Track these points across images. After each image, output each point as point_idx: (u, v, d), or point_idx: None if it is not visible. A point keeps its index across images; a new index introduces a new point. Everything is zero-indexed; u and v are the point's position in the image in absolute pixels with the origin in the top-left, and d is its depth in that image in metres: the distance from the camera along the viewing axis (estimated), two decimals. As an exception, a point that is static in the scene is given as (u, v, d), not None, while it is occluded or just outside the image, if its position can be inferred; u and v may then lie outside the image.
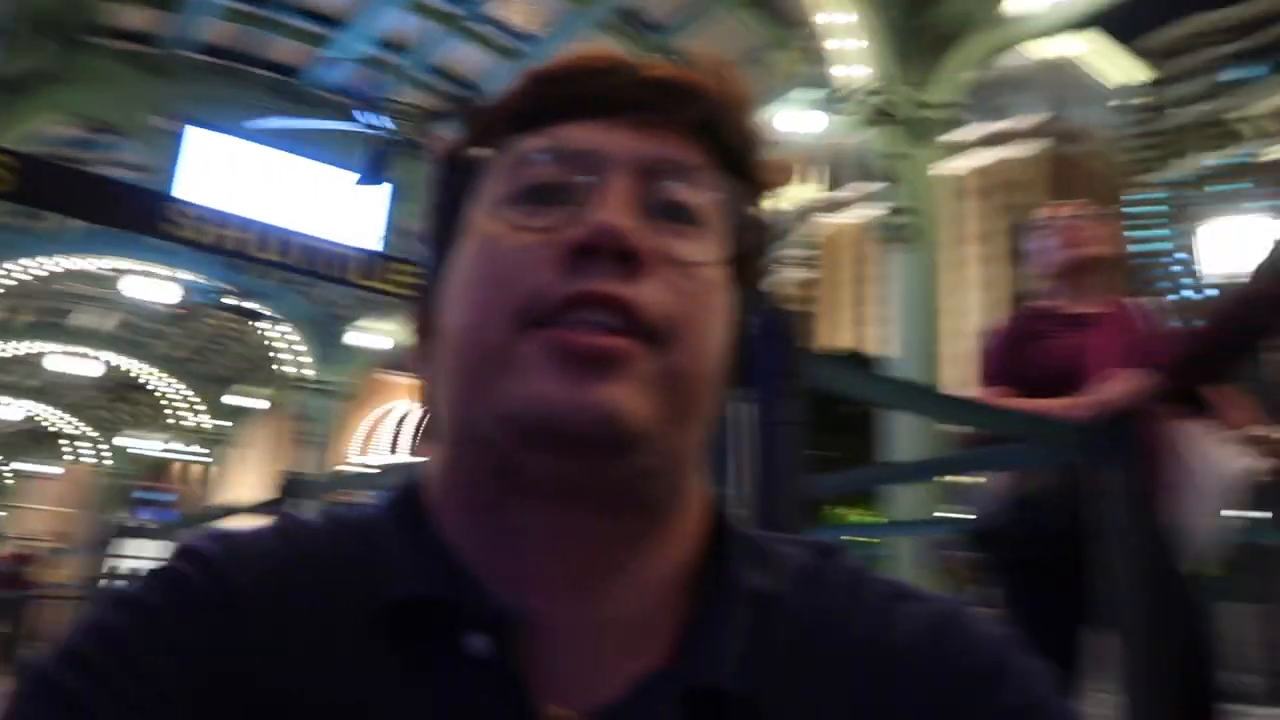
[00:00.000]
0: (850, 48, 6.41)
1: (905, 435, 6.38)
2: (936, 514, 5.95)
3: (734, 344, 0.52)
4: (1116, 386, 1.90)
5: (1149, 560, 1.69)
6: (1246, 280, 1.86)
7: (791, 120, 8.49)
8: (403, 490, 0.53)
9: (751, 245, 0.53)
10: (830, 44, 6.57)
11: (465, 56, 10.62)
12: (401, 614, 0.46)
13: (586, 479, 0.45)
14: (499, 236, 0.48)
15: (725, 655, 0.47)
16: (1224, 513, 2.10)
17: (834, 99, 8.32)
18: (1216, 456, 2.11)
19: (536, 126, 0.51)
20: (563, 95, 0.51)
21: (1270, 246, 1.81)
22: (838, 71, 6.62)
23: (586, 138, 0.50)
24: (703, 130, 0.52)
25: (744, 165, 0.53)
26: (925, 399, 1.90)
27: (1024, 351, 2.25)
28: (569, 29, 8.97)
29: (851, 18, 6.40)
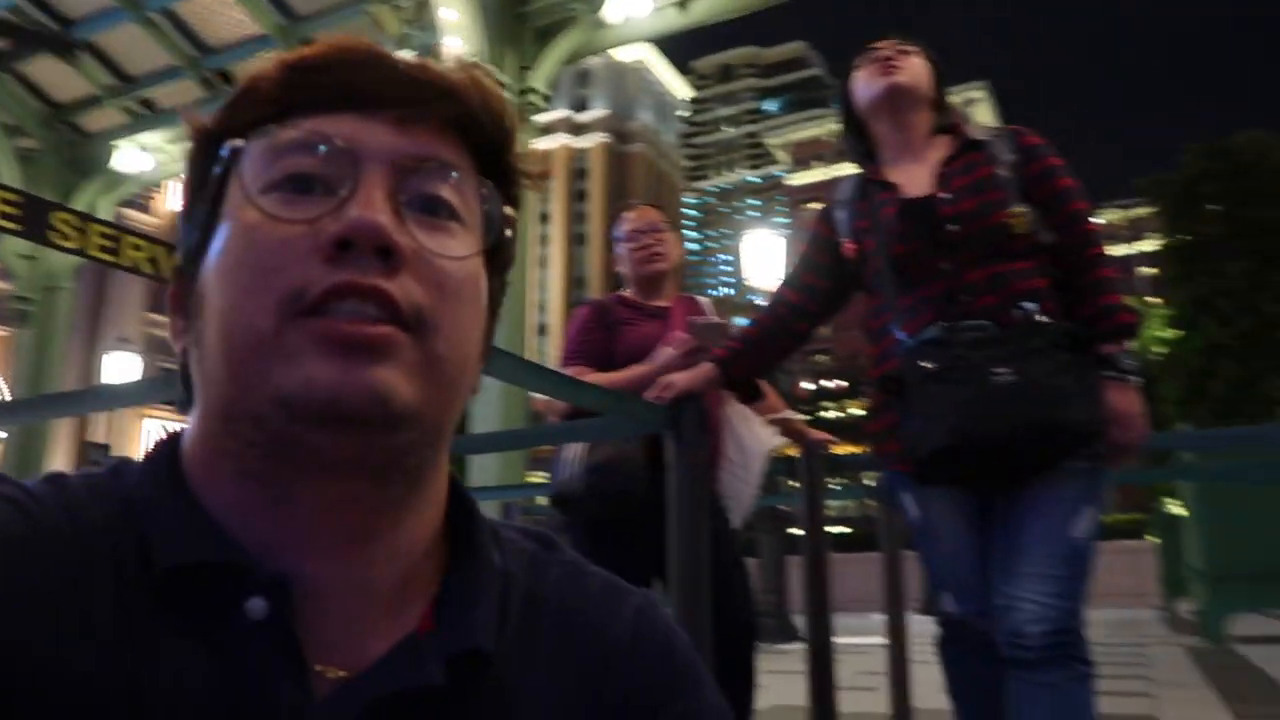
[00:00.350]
0: (454, 19, 6.44)
1: (482, 406, 6.59)
2: (520, 480, 6.24)
3: (489, 326, 0.57)
4: (688, 374, 2.18)
5: (704, 520, 1.97)
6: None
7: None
8: (160, 457, 0.52)
9: (504, 236, 0.57)
10: (438, 12, 6.52)
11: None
12: (172, 581, 0.46)
13: (356, 454, 0.47)
14: (259, 225, 0.49)
15: (482, 619, 0.52)
16: (758, 481, 2.52)
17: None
18: (759, 435, 2.51)
19: (294, 116, 0.51)
20: (321, 85, 0.52)
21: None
22: (441, 40, 6.60)
23: (347, 131, 0.51)
24: (459, 128, 0.54)
25: (499, 162, 0.57)
26: (523, 371, 2.02)
27: (607, 334, 2.50)
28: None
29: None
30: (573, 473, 2.34)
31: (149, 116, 9.50)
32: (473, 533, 0.56)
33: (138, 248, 7.87)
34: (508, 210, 0.57)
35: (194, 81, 8.93)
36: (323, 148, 0.50)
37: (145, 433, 20.59)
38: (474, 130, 0.55)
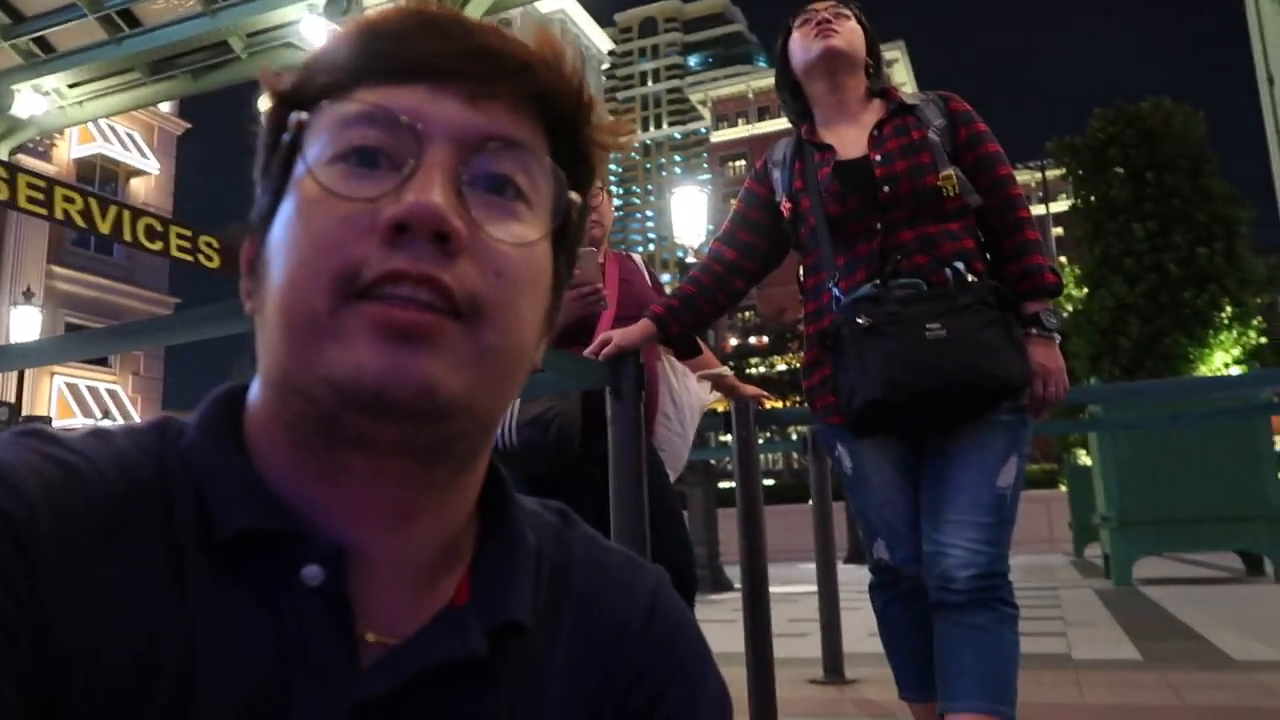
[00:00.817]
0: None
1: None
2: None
3: (553, 305, 0.56)
4: (625, 331, 2.19)
5: (643, 474, 1.99)
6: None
7: (310, 27, 8.05)
8: (219, 418, 0.51)
9: (573, 220, 0.55)
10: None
11: None
12: (232, 546, 0.47)
13: (405, 439, 0.48)
14: (320, 200, 0.48)
15: (518, 592, 0.53)
16: (692, 435, 2.55)
17: (343, 10, 8.00)
18: (693, 390, 2.54)
19: (366, 83, 0.50)
20: (394, 54, 0.51)
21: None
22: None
23: (415, 105, 0.49)
24: (534, 103, 0.53)
25: (574, 139, 0.55)
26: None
27: None
28: None
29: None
30: (506, 427, 2.34)
31: (46, 59, 8.97)
32: (505, 506, 0.57)
33: (70, 199, 7.46)
34: (574, 196, 0.55)
35: (94, 20, 8.43)
36: (388, 120, 0.49)
37: (55, 389, 19.80)
38: (549, 107, 0.53)
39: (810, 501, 3.84)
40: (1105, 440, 7.45)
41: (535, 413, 2.32)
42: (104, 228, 7.82)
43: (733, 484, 3.09)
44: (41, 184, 7.25)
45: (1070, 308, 17.71)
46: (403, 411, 0.46)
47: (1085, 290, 17.35)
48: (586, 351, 2.14)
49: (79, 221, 7.48)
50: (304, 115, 0.50)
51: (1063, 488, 14.30)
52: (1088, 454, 10.14)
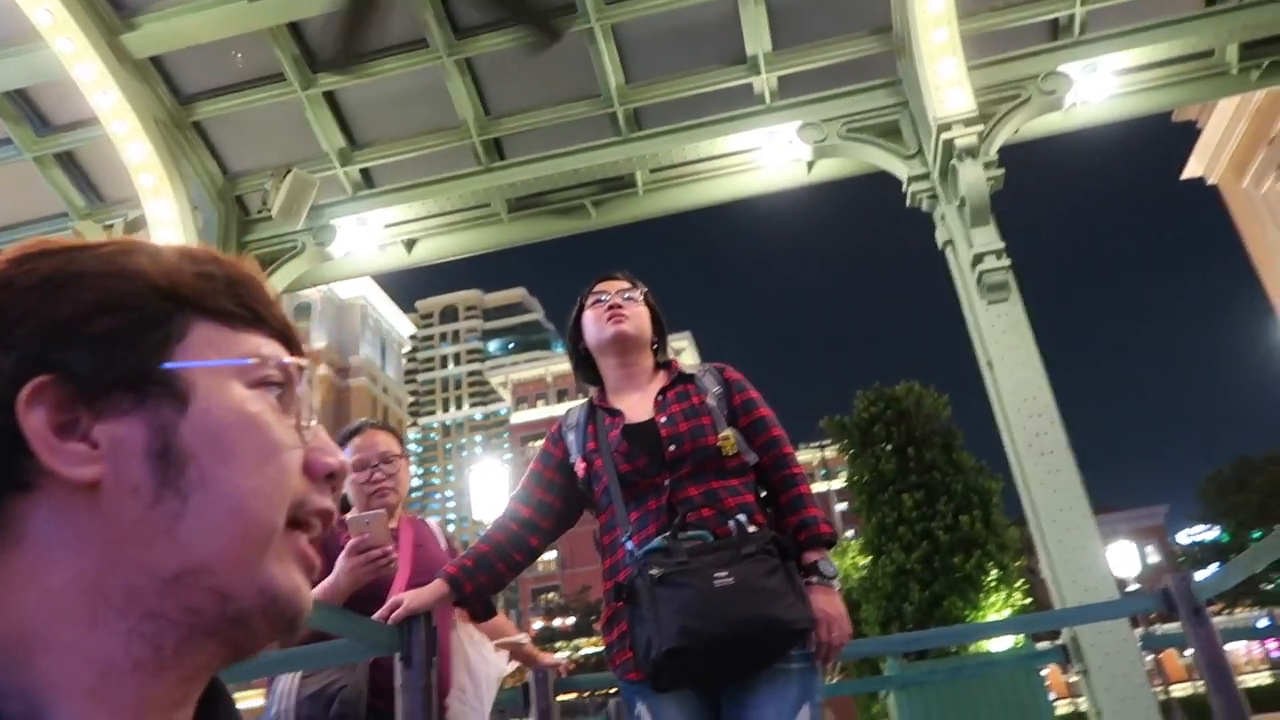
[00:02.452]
0: (172, 241, 6.23)
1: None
2: None
3: None
4: (417, 593, 2.13)
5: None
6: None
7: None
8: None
9: None
10: (153, 233, 6.30)
11: None
12: None
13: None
14: (271, 426, 0.54)
15: None
16: (489, 709, 2.43)
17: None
18: (490, 659, 2.45)
19: (255, 331, 0.57)
20: (277, 318, 0.59)
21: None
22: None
23: (297, 359, 0.59)
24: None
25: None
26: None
27: (329, 559, 2.39)
28: None
29: (172, 210, 6.27)
30: (284, 706, 2.15)
31: (381, 190, 7.07)
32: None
33: None
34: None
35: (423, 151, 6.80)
36: (292, 369, 0.58)
37: None
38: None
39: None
40: (904, 707, 7.69)
41: (317, 687, 2.16)
42: None
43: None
44: None
45: (857, 575, 18.51)
46: (292, 631, 0.54)
47: (869, 557, 18.30)
48: (376, 615, 2.06)
49: None
50: (201, 319, 0.55)
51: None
52: (888, 721, 10.30)
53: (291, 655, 2.14)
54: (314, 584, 2.30)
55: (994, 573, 17.04)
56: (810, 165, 6.44)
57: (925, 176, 5.89)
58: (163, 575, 0.49)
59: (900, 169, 6.01)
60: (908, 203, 6.04)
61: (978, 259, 5.54)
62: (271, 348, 0.57)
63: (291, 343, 0.59)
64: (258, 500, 0.52)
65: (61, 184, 6.65)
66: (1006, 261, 5.54)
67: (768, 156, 6.40)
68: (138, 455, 0.50)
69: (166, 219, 6.23)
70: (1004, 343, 5.47)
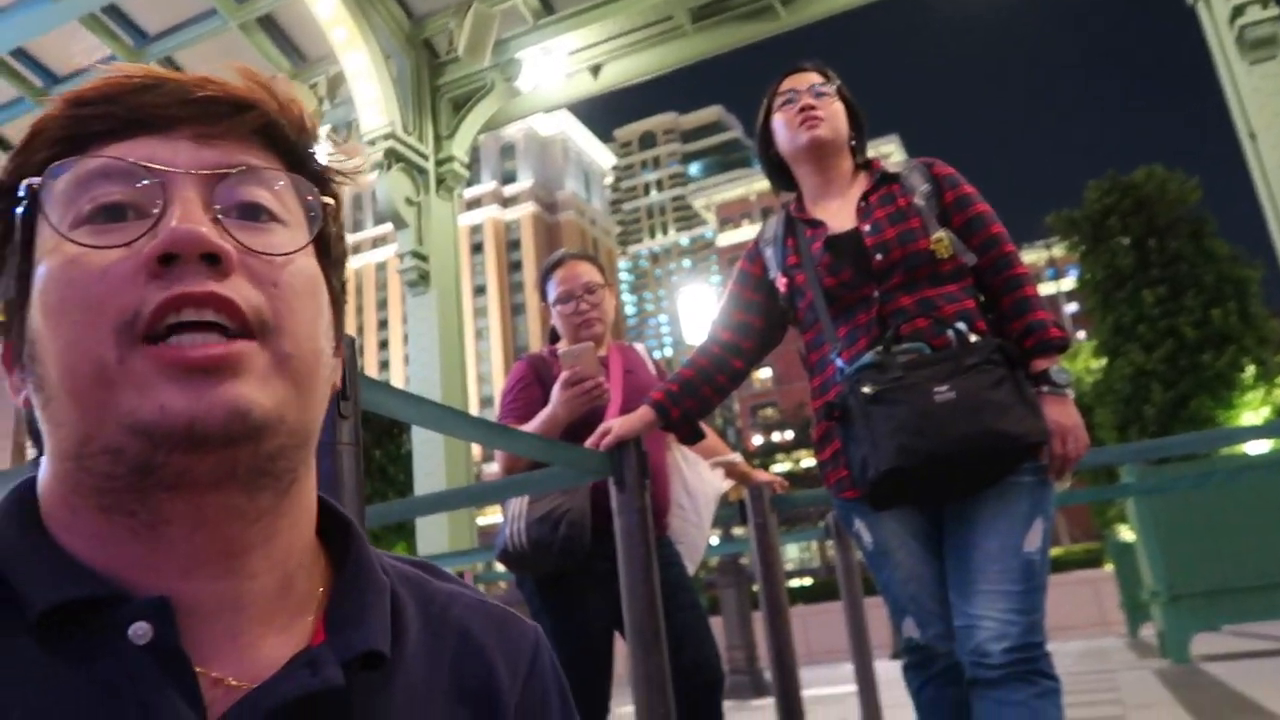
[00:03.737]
0: (369, 93, 6.43)
1: (425, 468, 6.44)
2: (470, 546, 6.09)
3: (336, 322, 0.56)
4: (625, 420, 2.14)
5: (654, 566, 1.91)
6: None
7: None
8: (11, 505, 0.52)
9: (330, 228, 0.57)
10: (352, 86, 6.51)
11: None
12: (49, 622, 0.46)
13: (226, 468, 0.48)
14: (77, 258, 0.48)
15: (374, 624, 0.53)
16: (709, 525, 2.47)
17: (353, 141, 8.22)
18: (705, 478, 2.47)
19: (90, 148, 0.51)
20: (113, 114, 0.51)
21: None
22: (358, 114, 6.59)
23: (149, 153, 0.51)
24: (262, 136, 0.55)
25: (307, 159, 0.57)
26: (470, 425, 1.96)
27: (544, 390, 2.44)
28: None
29: (365, 61, 6.42)
30: (516, 528, 2.27)
31: (558, 16, 6.97)
32: (351, 545, 0.56)
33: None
34: (327, 200, 0.57)
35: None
36: (126, 171, 0.49)
37: None
38: (278, 136, 0.55)
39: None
40: (1145, 512, 7.20)
41: (543, 511, 2.26)
42: None
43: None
44: None
45: (1090, 379, 17.52)
46: (218, 439, 0.46)
47: (1104, 360, 17.22)
48: (587, 443, 2.09)
49: None
50: (35, 180, 0.51)
51: (1108, 566, 13.86)
52: (1130, 528, 9.85)
53: (511, 482, 2.23)
54: (525, 406, 2.34)
55: (1251, 369, 15.62)
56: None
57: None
58: (75, 458, 0.48)
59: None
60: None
61: (1238, 10, 4.70)
62: (143, 148, 0.50)
63: (162, 120, 0.51)
64: (72, 353, 0.47)
65: (266, 48, 6.93)
66: (1274, 11, 4.67)
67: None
68: (9, 370, 0.53)
69: (362, 70, 6.39)
70: (1270, 108, 4.70)
